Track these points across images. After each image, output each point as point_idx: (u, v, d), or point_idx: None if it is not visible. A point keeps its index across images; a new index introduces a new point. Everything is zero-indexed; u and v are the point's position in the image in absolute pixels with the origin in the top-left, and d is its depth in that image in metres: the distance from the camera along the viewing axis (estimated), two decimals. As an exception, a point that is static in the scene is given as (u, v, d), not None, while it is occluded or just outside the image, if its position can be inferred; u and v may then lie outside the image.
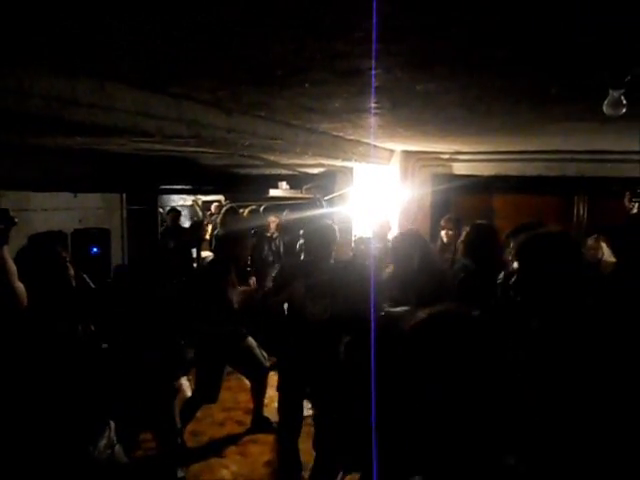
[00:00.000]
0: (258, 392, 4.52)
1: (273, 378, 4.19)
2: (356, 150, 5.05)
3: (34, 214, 6.18)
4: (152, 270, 4.51)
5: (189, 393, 4.41)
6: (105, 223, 7.08)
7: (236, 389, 5.13)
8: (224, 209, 6.98)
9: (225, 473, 3.96)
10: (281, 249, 6.68)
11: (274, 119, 3.63)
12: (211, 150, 4.39)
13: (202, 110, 2.98)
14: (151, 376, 3.43)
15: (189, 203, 10.87)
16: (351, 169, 6.47)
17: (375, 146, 5.56)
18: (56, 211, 6.48)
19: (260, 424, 4.55)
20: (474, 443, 1.12)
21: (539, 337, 1.74)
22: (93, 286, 4.30)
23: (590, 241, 4.74)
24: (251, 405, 4.65)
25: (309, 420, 3.63)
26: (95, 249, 6.46)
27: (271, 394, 4.46)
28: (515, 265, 1.83)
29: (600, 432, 1.52)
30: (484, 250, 3.48)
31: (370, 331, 2.08)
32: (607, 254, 4.49)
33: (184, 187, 8.74)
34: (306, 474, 3.49)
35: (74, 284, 2.65)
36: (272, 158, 5.61)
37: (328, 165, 6.50)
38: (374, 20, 1.52)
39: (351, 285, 2.69)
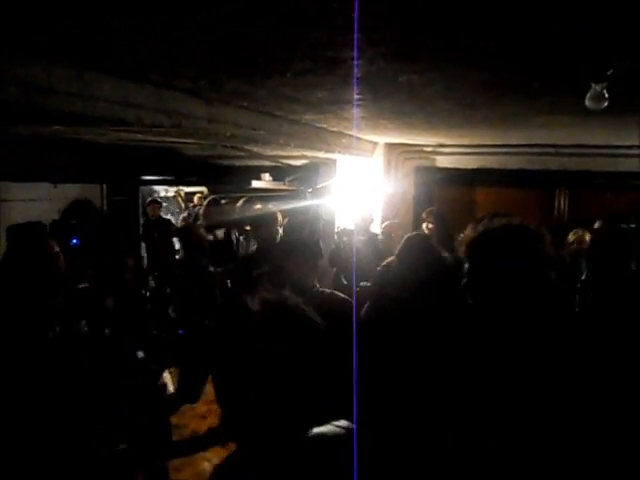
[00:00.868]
0: None
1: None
2: (339, 142, 5.04)
3: (13, 204, 6.08)
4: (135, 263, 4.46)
5: (172, 389, 4.37)
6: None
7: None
8: (206, 200, 6.94)
9: (207, 466, 3.94)
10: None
11: (256, 109, 3.59)
12: (192, 141, 4.34)
13: (183, 99, 2.93)
14: (138, 374, 3.37)
15: (171, 194, 10.79)
16: (335, 161, 6.45)
17: (358, 138, 5.55)
18: (35, 202, 6.38)
19: None
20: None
21: (487, 339, 1.64)
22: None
23: (572, 235, 4.78)
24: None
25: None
26: (75, 241, 6.37)
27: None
28: (465, 266, 1.69)
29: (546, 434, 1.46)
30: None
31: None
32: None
33: (166, 178, 8.66)
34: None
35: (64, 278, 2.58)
36: (255, 149, 5.57)
37: (311, 157, 6.48)
38: (356, 8, 1.49)
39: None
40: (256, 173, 7.52)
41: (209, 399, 4.82)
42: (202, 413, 4.67)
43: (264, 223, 3.98)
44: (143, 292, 6.59)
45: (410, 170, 6.52)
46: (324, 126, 4.55)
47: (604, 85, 2.12)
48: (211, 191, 9.21)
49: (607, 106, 2.22)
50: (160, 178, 8.52)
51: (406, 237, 2.99)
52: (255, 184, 7.39)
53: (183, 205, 10.71)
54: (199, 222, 6.96)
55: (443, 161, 6.39)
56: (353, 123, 4.30)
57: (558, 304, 1.64)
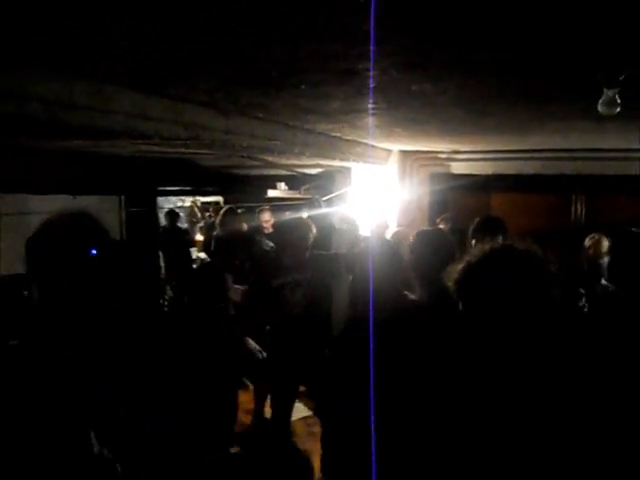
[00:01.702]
0: (260, 393, 4.53)
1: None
2: (354, 150, 5.07)
3: (33, 217, 6.18)
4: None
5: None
6: (104, 225, 7.07)
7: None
8: (223, 210, 6.99)
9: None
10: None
11: (272, 120, 3.64)
12: (209, 152, 4.40)
13: (199, 112, 2.99)
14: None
15: (188, 204, 10.89)
16: (349, 169, 6.48)
17: (373, 146, 5.58)
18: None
19: (261, 425, 4.55)
20: None
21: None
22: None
23: (588, 240, 4.74)
24: (251, 406, 4.65)
25: (309, 420, 3.64)
26: (93, 251, 6.44)
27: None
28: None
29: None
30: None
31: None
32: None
33: (183, 189, 8.75)
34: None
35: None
36: (270, 159, 5.62)
37: (326, 165, 6.52)
38: (369, 21, 1.53)
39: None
40: (272, 182, 7.58)
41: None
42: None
43: (295, 232, 3.88)
44: (161, 301, 6.67)
45: (425, 177, 6.52)
46: (338, 135, 4.58)
47: (616, 91, 2.13)
48: (227, 201, 9.29)
49: (621, 110, 2.23)
50: (177, 189, 8.61)
51: (418, 232, 3.03)
52: (271, 193, 7.44)
53: (200, 215, 10.80)
54: (216, 232, 7.02)
55: (458, 167, 6.38)
56: (367, 131, 4.33)
57: (560, 322, 1.55)
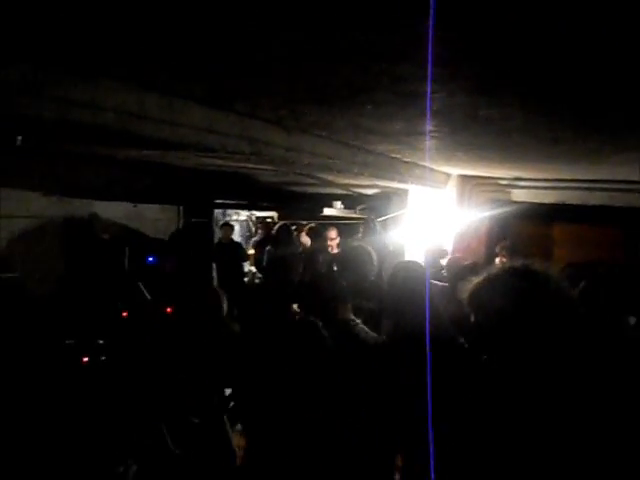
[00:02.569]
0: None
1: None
2: (412, 172, 5.03)
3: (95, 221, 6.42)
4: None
5: None
6: (162, 234, 7.28)
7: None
8: (277, 226, 7.05)
9: None
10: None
11: (333, 139, 3.66)
12: (269, 167, 4.46)
13: (263, 128, 3.04)
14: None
15: (243, 218, 11.07)
16: (406, 191, 6.42)
17: (432, 169, 5.52)
18: (115, 220, 6.72)
19: None
20: None
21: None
22: (149, 296, 4.40)
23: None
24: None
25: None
26: (151, 259, 6.63)
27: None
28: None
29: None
30: None
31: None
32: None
33: (239, 202, 8.91)
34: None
35: None
36: (328, 177, 5.65)
37: (383, 186, 6.48)
38: (440, 44, 1.52)
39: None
40: (328, 200, 7.61)
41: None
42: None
43: (357, 260, 3.86)
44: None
45: (484, 203, 6.40)
46: (398, 156, 4.56)
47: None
48: (281, 217, 9.39)
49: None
50: (234, 202, 8.77)
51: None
52: (327, 211, 7.47)
53: (254, 229, 10.96)
54: (268, 248, 7.09)
55: (519, 195, 6.22)
56: (427, 154, 4.29)
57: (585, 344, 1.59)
